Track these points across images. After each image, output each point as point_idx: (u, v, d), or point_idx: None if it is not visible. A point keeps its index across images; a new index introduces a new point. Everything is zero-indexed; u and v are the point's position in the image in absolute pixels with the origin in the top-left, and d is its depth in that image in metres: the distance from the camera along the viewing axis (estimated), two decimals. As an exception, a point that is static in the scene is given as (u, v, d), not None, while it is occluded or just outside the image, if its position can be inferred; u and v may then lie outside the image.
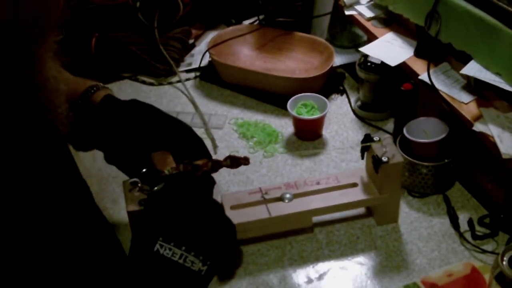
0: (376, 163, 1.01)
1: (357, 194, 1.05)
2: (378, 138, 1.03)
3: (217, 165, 0.96)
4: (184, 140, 0.98)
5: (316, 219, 1.09)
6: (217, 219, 0.86)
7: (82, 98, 0.99)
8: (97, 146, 1.01)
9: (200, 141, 1.01)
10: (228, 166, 0.97)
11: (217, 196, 1.05)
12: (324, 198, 1.05)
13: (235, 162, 0.97)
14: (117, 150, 0.97)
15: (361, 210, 1.11)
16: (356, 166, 1.18)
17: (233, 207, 1.04)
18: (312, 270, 1.02)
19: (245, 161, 0.98)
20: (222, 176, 1.20)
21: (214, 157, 1.04)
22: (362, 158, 1.06)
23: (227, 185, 1.19)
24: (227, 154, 1.24)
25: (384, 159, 1.00)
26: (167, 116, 1.00)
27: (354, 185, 1.07)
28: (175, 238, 0.80)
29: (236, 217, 1.01)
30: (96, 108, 0.98)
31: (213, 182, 0.98)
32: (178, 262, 0.79)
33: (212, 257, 0.81)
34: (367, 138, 1.04)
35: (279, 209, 1.03)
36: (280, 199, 1.05)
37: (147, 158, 0.94)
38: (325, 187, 1.07)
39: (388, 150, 1.01)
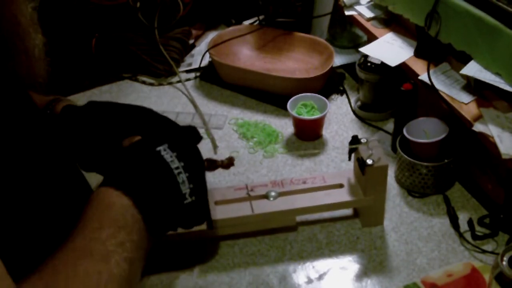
0: (361, 165, 1.01)
1: (342, 195, 1.05)
2: (365, 140, 1.03)
3: None
4: (148, 122, 0.95)
5: (316, 218, 1.10)
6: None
7: (45, 111, 0.97)
8: (69, 156, 0.97)
9: (164, 118, 0.97)
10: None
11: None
12: (309, 198, 1.05)
13: (211, 165, 0.98)
14: (88, 154, 0.95)
15: (351, 211, 1.11)
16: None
17: (217, 202, 1.04)
18: (312, 270, 1.02)
19: (223, 166, 0.99)
20: (223, 177, 1.20)
21: (213, 157, 1.04)
22: (349, 159, 1.06)
23: (227, 185, 1.19)
24: (228, 155, 1.26)
25: (369, 161, 1.00)
26: (125, 106, 0.97)
27: (340, 186, 1.07)
28: (180, 152, 0.80)
29: (219, 212, 1.02)
30: (57, 119, 0.96)
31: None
32: (173, 171, 0.79)
33: (197, 195, 0.81)
34: (354, 140, 1.04)
35: (262, 207, 1.03)
36: (265, 196, 1.05)
37: (119, 147, 0.91)
38: (311, 186, 1.07)
39: (374, 152, 1.01)
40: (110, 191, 0.74)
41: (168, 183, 0.79)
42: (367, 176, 1.01)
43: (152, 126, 0.93)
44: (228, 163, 1.00)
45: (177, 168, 0.79)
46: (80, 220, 0.71)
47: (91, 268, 0.65)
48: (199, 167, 0.85)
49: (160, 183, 0.78)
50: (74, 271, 0.65)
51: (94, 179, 1.14)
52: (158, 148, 0.80)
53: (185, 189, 0.80)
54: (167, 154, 0.80)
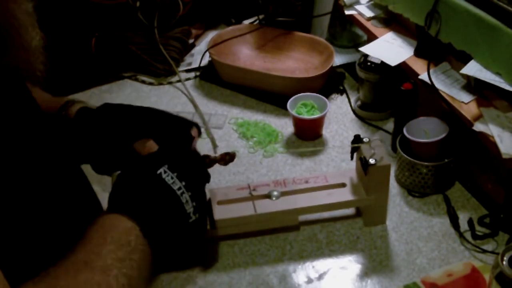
0: (363, 165, 1.01)
1: (344, 195, 1.05)
2: (368, 140, 1.03)
3: None
4: (161, 125, 0.96)
5: (316, 218, 1.09)
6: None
7: (59, 114, 0.98)
8: (82, 159, 0.98)
9: (176, 118, 0.98)
10: None
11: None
12: (311, 197, 1.05)
13: (211, 162, 0.98)
14: (101, 157, 0.95)
15: (353, 210, 1.11)
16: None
17: (220, 202, 1.04)
18: (312, 270, 1.02)
19: (223, 162, 0.99)
20: (222, 176, 1.20)
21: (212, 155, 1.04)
22: (352, 159, 1.06)
23: (227, 184, 1.19)
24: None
25: (372, 161, 1.00)
26: (139, 108, 0.98)
27: (342, 185, 1.06)
28: (180, 171, 0.81)
29: (222, 212, 1.01)
30: (72, 122, 0.96)
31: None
32: (176, 192, 0.80)
33: (200, 211, 0.82)
34: (357, 139, 1.04)
35: (265, 206, 1.03)
36: (267, 196, 1.05)
37: (130, 151, 0.93)
38: (313, 186, 1.06)
39: (376, 152, 1.01)
40: (115, 215, 0.75)
41: (172, 205, 0.80)
42: (369, 175, 1.01)
43: (164, 129, 0.94)
44: (230, 159, 1.00)
45: (179, 188, 0.81)
46: (83, 237, 0.73)
47: (90, 279, 0.67)
48: (200, 183, 0.87)
49: (164, 205, 0.79)
50: (74, 279, 0.66)
51: (94, 179, 1.15)
52: (159, 171, 0.81)
53: (189, 208, 0.81)
54: (168, 176, 0.81)
